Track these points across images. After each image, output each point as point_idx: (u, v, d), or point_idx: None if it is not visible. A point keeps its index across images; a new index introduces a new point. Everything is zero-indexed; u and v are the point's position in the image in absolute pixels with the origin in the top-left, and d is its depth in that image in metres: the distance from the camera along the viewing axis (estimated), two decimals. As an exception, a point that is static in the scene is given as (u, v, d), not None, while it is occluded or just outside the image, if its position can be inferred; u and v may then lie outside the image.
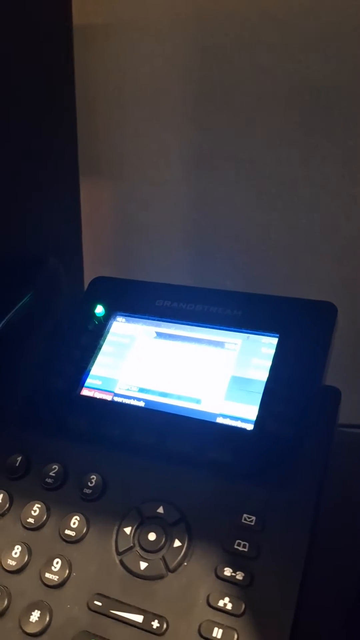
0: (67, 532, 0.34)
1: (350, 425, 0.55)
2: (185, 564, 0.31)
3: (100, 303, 0.43)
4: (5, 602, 0.32)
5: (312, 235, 0.65)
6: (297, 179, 0.64)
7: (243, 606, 0.29)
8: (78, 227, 0.66)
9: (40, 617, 0.32)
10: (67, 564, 0.33)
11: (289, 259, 0.67)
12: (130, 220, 0.73)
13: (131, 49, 0.67)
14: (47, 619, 0.31)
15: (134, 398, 0.39)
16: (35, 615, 0.32)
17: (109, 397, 0.39)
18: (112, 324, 0.43)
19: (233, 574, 0.30)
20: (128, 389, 0.39)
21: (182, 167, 0.69)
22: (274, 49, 0.60)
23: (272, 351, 0.37)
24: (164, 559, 0.32)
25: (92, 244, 0.71)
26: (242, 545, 0.31)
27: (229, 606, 0.29)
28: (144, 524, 0.33)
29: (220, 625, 0.29)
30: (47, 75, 0.59)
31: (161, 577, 0.31)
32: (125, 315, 0.43)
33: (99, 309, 0.43)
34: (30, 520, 0.35)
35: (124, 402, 0.39)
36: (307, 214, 0.65)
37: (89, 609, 0.31)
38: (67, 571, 0.33)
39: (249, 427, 0.35)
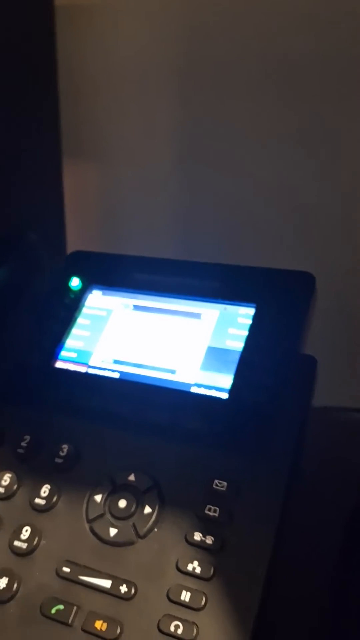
0: (37, 500, 0.33)
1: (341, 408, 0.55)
2: (156, 530, 0.31)
3: (77, 276, 0.43)
4: (-26, 570, 0.32)
5: (300, 217, 0.65)
6: (286, 160, 0.63)
7: (212, 570, 0.29)
8: (61, 208, 0.65)
9: (8, 584, 0.31)
10: (37, 532, 0.32)
11: (277, 243, 0.67)
12: (115, 203, 0.73)
13: (116, 30, 0.66)
14: (15, 586, 0.31)
15: (108, 370, 0.38)
16: (3, 582, 0.31)
17: (83, 369, 0.39)
18: (88, 296, 0.42)
19: (203, 538, 0.29)
20: (103, 361, 0.39)
21: (169, 149, 0.68)
22: (261, 28, 0.60)
23: (249, 321, 0.37)
24: (134, 525, 0.31)
25: (76, 227, 0.71)
26: (212, 510, 0.30)
27: (198, 570, 0.29)
28: (115, 491, 0.32)
29: (188, 589, 0.28)
30: (27, 56, 0.59)
31: (131, 543, 0.31)
32: (102, 288, 0.42)
33: (75, 282, 0.43)
34: (0, 489, 0.34)
35: (98, 373, 0.38)
36: (296, 195, 0.64)
37: (58, 575, 0.31)
38: (37, 539, 0.32)
39: (224, 395, 0.35)
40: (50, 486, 0.34)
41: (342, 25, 0.57)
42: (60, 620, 0.29)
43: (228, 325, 0.38)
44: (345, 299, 0.64)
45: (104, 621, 0.29)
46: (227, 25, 0.62)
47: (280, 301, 0.37)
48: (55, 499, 0.33)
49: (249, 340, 0.36)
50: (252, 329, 0.37)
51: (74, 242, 0.68)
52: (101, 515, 0.32)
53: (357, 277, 0.63)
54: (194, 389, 0.36)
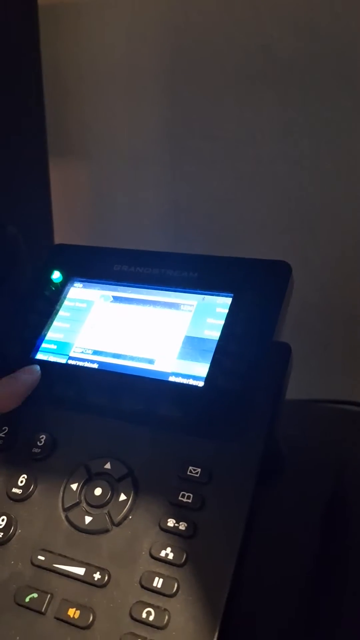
0: (14, 490, 0.33)
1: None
2: (130, 517, 0.31)
3: (58, 269, 0.43)
4: None
5: (289, 211, 0.65)
6: (273, 155, 0.64)
7: (184, 556, 0.29)
8: (48, 204, 0.65)
9: (-17, 574, 0.31)
10: (13, 521, 0.32)
11: (264, 237, 0.67)
12: (103, 199, 0.73)
13: (102, 28, 0.67)
14: (-10, 575, 0.31)
15: (87, 360, 0.38)
16: (-23, 572, 0.31)
17: (63, 361, 0.39)
18: (69, 289, 0.42)
19: (176, 525, 0.29)
20: (82, 352, 0.39)
21: (155, 145, 0.68)
22: (247, 25, 0.60)
23: (226, 310, 0.37)
24: (109, 513, 0.31)
25: (64, 223, 0.71)
26: (186, 496, 0.30)
27: (171, 556, 0.29)
28: (91, 480, 0.32)
29: (161, 575, 0.28)
30: (11, 55, 0.59)
31: (106, 531, 0.31)
32: (83, 281, 0.43)
33: (56, 275, 0.43)
34: (-23, 480, 0.34)
35: (77, 364, 0.38)
36: (284, 190, 0.64)
37: (33, 564, 0.31)
38: (12, 528, 0.32)
39: (200, 384, 0.35)
40: (27, 476, 0.34)
41: (325, 21, 0.57)
42: (33, 609, 0.29)
43: (206, 315, 0.38)
44: (331, 294, 0.64)
45: (76, 609, 0.29)
46: (214, 22, 0.62)
47: (256, 290, 0.37)
48: (31, 488, 0.33)
49: (225, 329, 0.36)
50: (229, 318, 0.37)
51: (62, 238, 0.68)
52: (77, 504, 0.32)
53: (338, 270, 0.63)
54: (171, 378, 0.36)
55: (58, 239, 0.69)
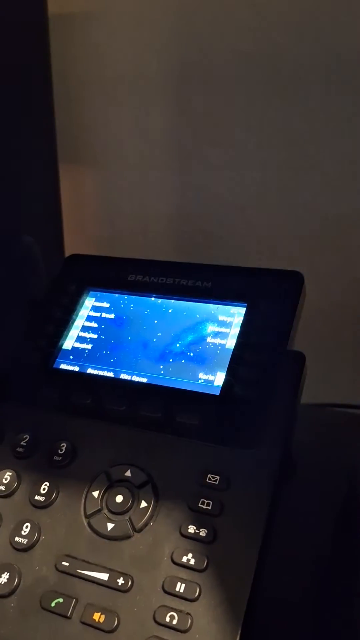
0: (37, 497, 0.34)
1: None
2: (151, 524, 0.32)
3: (75, 279, 0.44)
4: (-24, 567, 0.33)
5: (296, 216, 0.66)
6: (279, 161, 0.64)
7: (205, 561, 0.29)
8: (58, 212, 0.66)
9: (9, 579, 0.32)
10: (36, 528, 0.33)
11: (273, 243, 0.68)
12: (112, 207, 0.74)
13: (110, 35, 0.67)
14: (16, 580, 0.32)
15: (105, 369, 0.39)
16: (4, 577, 0.32)
17: (81, 370, 0.40)
18: (85, 299, 0.43)
19: (197, 531, 0.30)
20: (100, 361, 0.40)
21: (164, 152, 0.69)
22: (252, 31, 0.61)
23: (240, 320, 0.38)
24: (130, 519, 0.32)
25: (73, 230, 0.72)
26: (205, 503, 0.31)
27: (192, 562, 0.30)
28: (112, 487, 0.33)
29: (183, 580, 0.29)
30: (21, 64, 0.60)
31: (127, 537, 0.32)
32: (99, 291, 0.43)
33: (72, 285, 0.44)
34: (1, 487, 0.35)
35: (94, 373, 0.39)
36: (290, 195, 0.65)
37: (57, 569, 0.32)
38: (36, 535, 0.33)
39: (216, 392, 0.36)
40: (49, 483, 0.34)
41: (329, 27, 0.58)
42: (59, 613, 0.30)
43: (221, 324, 0.39)
44: (336, 298, 0.65)
45: (101, 613, 0.30)
46: (218, 30, 0.63)
47: (270, 300, 0.38)
48: (54, 495, 0.34)
49: (240, 338, 0.37)
50: (243, 327, 0.37)
51: (72, 245, 0.69)
52: (98, 511, 0.33)
53: (347, 276, 0.64)
54: (187, 387, 0.37)
55: (68, 244, 0.70)
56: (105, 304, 0.42)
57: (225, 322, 0.38)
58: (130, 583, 0.30)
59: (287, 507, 0.36)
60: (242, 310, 0.38)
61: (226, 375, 0.36)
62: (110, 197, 0.74)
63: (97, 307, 0.42)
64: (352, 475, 0.41)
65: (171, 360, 0.38)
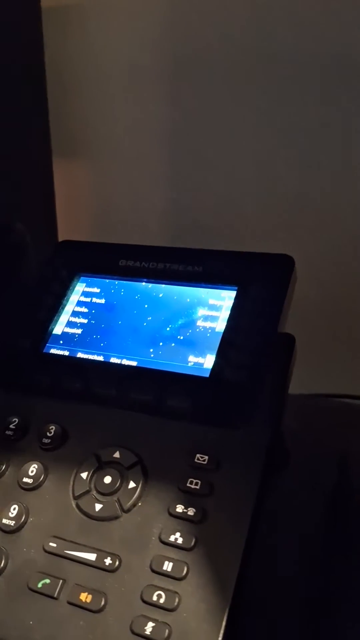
0: (25, 480, 0.34)
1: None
2: (140, 504, 0.32)
3: (65, 265, 0.44)
4: None
5: (290, 209, 0.66)
6: (272, 153, 0.64)
7: (194, 540, 0.29)
8: (52, 204, 0.66)
9: (-4, 561, 0.32)
10: (24, 510, 0.33)
11: (267, 236, 0.68)
12: (106, 200, 0.74)
13: (103, 28, 0.67)
14: (3, 562, 0.32)
15: (95, 353, 0.39)
16: (-9, 559, 0.32)
17: (71, 355, 0.40)
18: (75, 284, 0.43)
19: (185, 510, 0.30)
20: (90, 345, 0.40)
21: (157, 144, 0.69)
22: (245, 23, 0.61)
23: (230, 303, 0.38)
24: (118, 500, 0.32)
25: (68, 221, 0.72)
26: (194, 483, 0.31)
27: (180, 541, 0.29)
28: (101, 468, 0.33)
29: (171, 559, 0.29)
30: (15, 57, 0.60)
31: (116, 517, 0.31)
32: (90, 276, 0.43)
33: (64, 270, 0.43)
34: (-11, 470, 0.35)
35: (85, 357, 0.39)
36: (284, 188, 0.65)
37: (45, 551, 0.31)
38: (24, 517, 0.33)
39: (206, 374, 0.35)
40: (38, 465, 0.34)
41: (321, 17, 0.58)
42: (46, 594, 0.30)
43: (211, 308, 0.39)
44: (330, 289, 0.65)
45: (88, 593, 0.29)
46: (213, 24, 0.63)
47: (260, 283, 0.38)
48: (42, 477, 0.34)
49: (230, 321, 0.37)
50: (233, 310, 0.37)
51: (65, 236, 0.69)
52: (87, 492, 0.33)
53: (339, 265, 0.64)
54: (177, 369, 0.36)
55: (62, 237, 0.70)
56: (96, 289, 0.42)
57: (216, 306, 0.38)
58: (118, 563, 0.30)
59: (280, 493, 0.36)
60: (233, 293, 0.38)
61: (216, 357, 0.36)
62: (104, 191, 0.74)
63: (88, 292, 0.42)
64: (342, 462, 0.40)
65: (161, 343, 0.38)
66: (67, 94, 0.70)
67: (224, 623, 0.27)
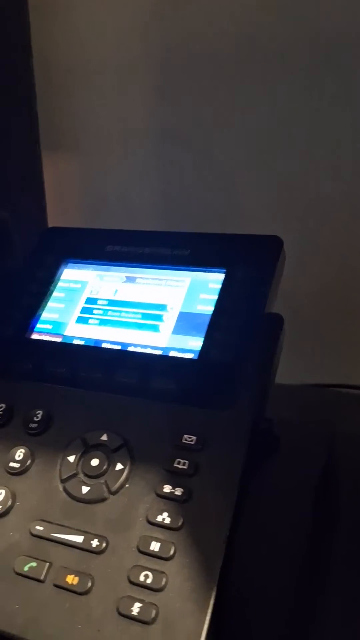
0: (12, 464, 0.34)
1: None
2: (127, 485, 0.31)
3: (52, 251, 0.43)
4: None
5: (282, 201, 0.66)
6: (264, 143, 0.64)
7: (181, 520, 0.29)
8: (41, 196, 0.66)
9: (-18, 546, 0.31)
10: (11, 494, 0.33)
11: (258, 228, 0.67)
12: (96, 191, 0.74)
13: (92, 19, 0.67)
14: (-11, 547, 0.31)
15: (83, 338, 0.39)
16: (-23, 545, 0.31)
17: (58, 339, 0.39)
18: (63, 270, 0.43)
19: (172, 490, 0.30)
20: (77, 331, 0.39)
21: (146, 134, 0.69)
22: (233, 14, 0.61)
23: (219, 286, 0.38)
24: (105, 482, 0.31)
25: (57, 213, 0.71)
26: (181, 463, 0.31)
27: (167, 521, 0.29)
28: (87, 451, 0.33)
29: (158, 539, 0.29)
30: (2, 50, 0.60)
31: (103, 499, 0.31)
32: (77, 262, 0.43)
33: (50, 256, 0.43)
34: (-24, 456, 0.34)
35: (72, 342, 0.39)
36: (276, 179, 0.65)
37: (31, 534, 0.31)
38: (10, 501, 0.32)
39: (194, 356, 0.35)
40: (25, 450, 0.34)
41: (309, 8, 0.58)
42: (32, 577, 0.30)
43: (199, 291, 0.38)
44: (323, 279, 0.65)
45: (75, 575, 0.29)
46: (203, 12, 0.63)
47: (248, 265, 0.37)
48: (29, 462, 0.34)
49: (218, 303, 0.37)
50: (222, 292, 0.37)
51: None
52: (74, 475, 0.32)
53: (330, 257, 0.64)
54: (164, 352, 0.36)
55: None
56: (83, 275, 0.42)
57: (205, 289, 0.38)
58: (104, 544, 0.29)
59: (269, 478, 0.35)
60: (221, 276, 0.38)
61: (204, 340, 0.36)
62: (93, 181, 0.74)
63: (74, 278, 0.42)
64: (331, 448, 0.40)
65: (148, 326, 0.38)
66: (54, 85, 0.70)
67: (211, 602, 0.27)
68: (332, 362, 0.65)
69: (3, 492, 0.33)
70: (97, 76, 0.69)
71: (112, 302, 0.40)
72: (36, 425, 0.35)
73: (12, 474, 0.33)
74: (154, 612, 0.27)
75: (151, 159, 0.71)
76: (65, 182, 0.75)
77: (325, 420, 0.48)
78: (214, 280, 0.38)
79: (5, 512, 0.32)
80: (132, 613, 0.27)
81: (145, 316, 0.38)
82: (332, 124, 0.61)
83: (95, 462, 0.32)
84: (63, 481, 0.32)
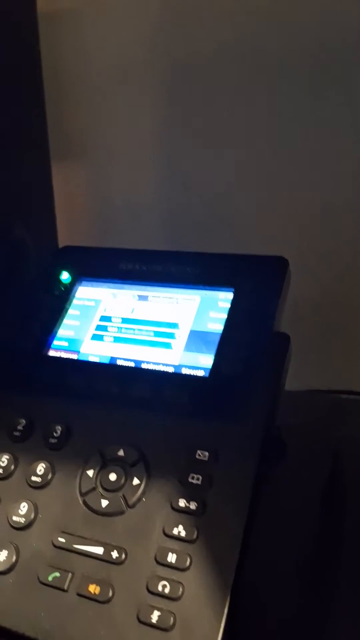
0: (33, 478, 0.35)
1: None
2: (144, 499, 0.33)
3: (66, 270, 0.45)
4: (-26, 547, 0.34)
5: (286, 209, 0.67)
6: (267, 154, 0.66)
7: (195, 533, 0.31)
8: (51, 205, 0.67)
9: (8, 557, 0.33)
10: (33, 507, 0.34)
11: (263, 236, 0.69)
12: (103, 199, 0.75)
13: (99, 31, 0.68)
14: (14, 558, 0.33)
15: (98, 355, 0.41)
16: (2, 555, 0.33)
17: (74, 356, 0.41)
18: (77, 288, 0.44)
19: (187, 504, 0.32)
20: (93, 348, 0.41)
21: (153, 145, 0.70)
22: (237, 24, 0.62)
23: (228, 305, 0.39)
24: (123, 496, 0.33)
25: (67, 224, 0.73)
26: (195, 478, 0.32)
27: (183, 533, 0.31)
28: (106, 466, 0.35)
29: (174, 551, 0.30)
30: (12, 61, 0.61)
31: (121, 512, 0.33)
32: (91, 280, 0.45)
33: (65, 275, 0.45)
34: (-1, 470, 0.36)
35: (89, 359, 0.40)
36: (280, 188, 0.66)
37: (54, 545, 0.33)
38: (33, 514, 0.34)
39: (206, 373, 0.37)
40: (45, 464, 0.36)
41: (308, 17, 0.59)
42: (56, 586, 0.31)
43: (209, 309, 0.40)
44: (326, 286, 0.66)
45: (97, 585, 0.31)
46: (207, 26, 0.64)
47: (256, 285, 0.39)
48: (50, 476, 0.35)
49: (228, 322, 0.38)
50: (231, 311, 0.39)
51: (64, 238, 0.70)
52: (93, 489, 0.34)
53: (334, 263, 0.65)
54: (178, 370, 0.38)
55: (61, 239, 0.71)
56: (97, 292, 0.44)
57: (214, 307, 0.40)
58: (124, 555, 0.31)
59: (276, 484, 0.37)
60: (230, 295, 0.40)
61: (215, 357, 0.37)
62: (101, 191, 0.75)
63: (89, 295, 0.44)
64: (337, 454, 0.42)
65: (161, 344, 0.39)
66: (63, 97, 0.71)
67: (225, 609, 0.29)
68: (335, 367, 0.66)
69: (26, 505, 0.35)
70: (104, 86, 0.71)
71: (125, 320, 0.42)
72: (56, 440, 0.37)
73: (34, 488, 0.35)
74: (172, 620, 0.29)
75: (157, 166, 0.72)
76: (74, 189, 0.77)
77: (330, 426, 0.50)
78: (223, 299, 0.40)
79: (29, 524, 0.34)
80: (152, 620, 0.29)
81: (157, 334, 0.40)
82: (337, 132, 0.62)
83: (113, 476, 0.34)
84: (83, 495, 0.34)
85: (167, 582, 0.30)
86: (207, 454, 0.33)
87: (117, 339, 0.41)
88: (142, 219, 0.74)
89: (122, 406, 0.37)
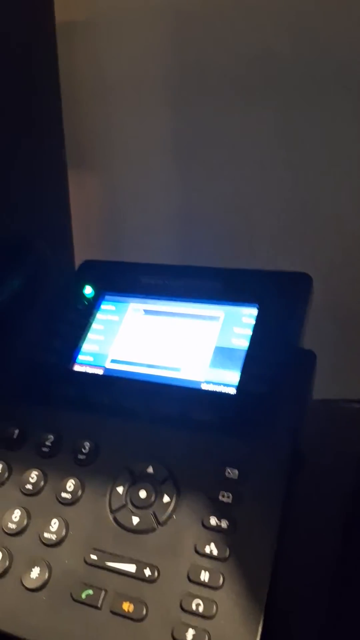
0: (64, 495, 0.36)
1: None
2: (174, 517, 0.33)
3: (89, 284, 0.46)
4: (7, 563, 0.34)
5: (297, 216, 0.67)
6: (277, 161, 0.66)
7: (227, 551, 0.31)
8: (67, 216, 0.68)
9: (40, 574, 0.34)
10: (64, 523, 0.35)
11: (274, 242, 0.69)
12: (118, 209, 0.76)
13: (113, 42, 0.69)
14: (47, 575, 0.33)
15: (124, 371, 0.41)
16: (35, 572, 0.34)
17: (100, 372, 0.42)
18: (101, 303, 0.45)
19: (218, 522, 0.32)
20: (118, 363, 0.41)
21: (168, 155, 0.71)
22: (249, 36, 0.63)
23: (253, 321, 0.40)
24: (154, 514, 0.34)
25: (82, 234, 0.73)
26: (225, 496, 0.33)
27: (215, 552, 0.31)
28: (135, 483, 0.35)
29: (207, 569, 0.31)
30: (30, 71, 0.61)
31: (152, 530, 0.33)
32: (114, 295, 0.45)
33: (88, 290, 0.45)
34: (29, 486, 0.37)
35: (114, 375, 0.41)
36: (290, 195, 0.67)
37: (86, 562, 0.33)
38: (64, 530, 0.35)
39: (232, 390, 0.37)
40: (75, 481, 0.36)
41: (322, 30, 0.59)
42: (90, 604, 0.32)
43: (233, 325, 0.40)
44: (341, 295, 0.66)
45: (130, 602, 0.31)
46: (216, 37, 0.64)
47: (280, 301, 0.39)
48: (80, 492, 0.36)
49: (253, 338, 0.39)
50: (256, 328, 0.39)
51: (78, 248, 0.70)
52: (123, 506, 0.34)
53: (352, 274, 0.65)
54: (204, 386, 0.38)
55: (77, 247, 0.71)
56: (121, 307, 0.44)
57: (239, 323, 0.40)
58: (156, 573, 0.32)
59: (299, 497, 0.37)
60: (255, 311, 0.40)
61: (241, 374, 0.38)
62: (115, 201, 0.76)
63: (112, 310, 0.44)
64: (358, 466, 0.42)
65: (188, 361, 0.40)
66: (78, 106, 0.72)
67: (260, 627, 0.29)
68: (354, 377, 0.67)
69: (57, 521, 0.35)
70: (118, 97, 0.71)
71: (149, 336, 0.42)
72: (85, 456, 0.37)
73: (64, 504, 0.36)
74: (207, 638, 0.29)
75: (170, 177, 0.72)
76: (88, 199, 0.77)
77: (347, 438, 0.50)
78: (248, 314, 0.40)
79: (60, 541, 0.34)
80: (187, 639, 0.29)
81: (182, 349, 0.40)
82: (352, 145, 0.63)
83: (143, 494, 0.35)
84: (113, 512, 0.35)
85: (201, 600, 0.30)
86: (236, 471, 0.33)
87: (142, 354, 0.41)
88: (153, 226, 0.75)
89: (148, 422, 0.37)
